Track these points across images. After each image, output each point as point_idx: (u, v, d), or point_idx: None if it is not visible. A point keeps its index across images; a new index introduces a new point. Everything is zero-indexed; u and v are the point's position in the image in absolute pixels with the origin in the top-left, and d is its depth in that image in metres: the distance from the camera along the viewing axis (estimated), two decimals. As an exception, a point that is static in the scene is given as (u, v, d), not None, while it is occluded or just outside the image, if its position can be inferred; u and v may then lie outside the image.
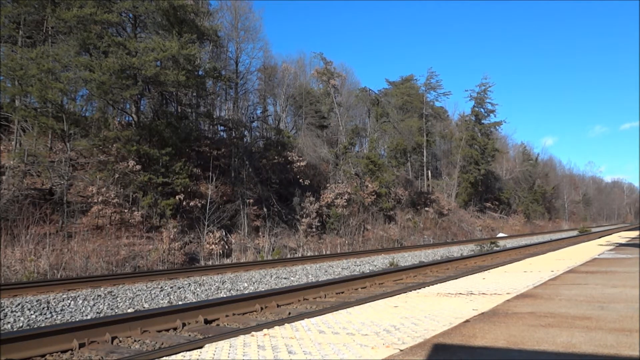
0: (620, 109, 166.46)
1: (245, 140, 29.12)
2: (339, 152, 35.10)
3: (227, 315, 7.39)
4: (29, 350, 5.31)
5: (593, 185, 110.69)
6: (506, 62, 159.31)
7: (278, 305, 8.23)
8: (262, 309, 7.91)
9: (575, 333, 3.21)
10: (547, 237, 36.86)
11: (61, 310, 8.41)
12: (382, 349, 2.96)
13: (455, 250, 23.46)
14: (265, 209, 25.03)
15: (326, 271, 14.21)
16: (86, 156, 20.85)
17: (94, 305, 8.84)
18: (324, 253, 22.61)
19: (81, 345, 5.64)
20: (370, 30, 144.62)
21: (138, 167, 19.90)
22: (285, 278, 12.71)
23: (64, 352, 5.55)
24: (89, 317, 8.24)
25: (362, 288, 10.48)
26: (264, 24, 73.61)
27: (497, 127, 55.62)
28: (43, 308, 8.34)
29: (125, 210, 19.18)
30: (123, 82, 19.32)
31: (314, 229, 26.20)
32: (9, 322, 7.64)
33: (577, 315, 3.88)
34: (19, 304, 8.32)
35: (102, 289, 10.15)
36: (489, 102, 53.46)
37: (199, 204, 21.12)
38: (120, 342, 5.98)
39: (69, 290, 10.01)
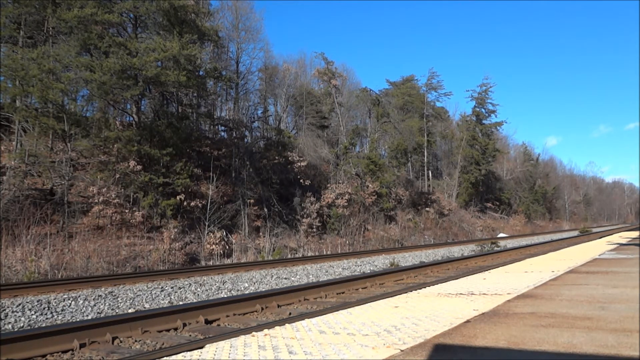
0: (625, 109, 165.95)
1: (245, 140, 29.13)
2: (340, 152, 35.11)
3: (227, 316, 7.39)
4: (29, 350, 5.32)
5: (594, 185, 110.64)
6: (507, 62, 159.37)
7: (279, 306, 8.23)
8: (262, 309, 7.91)
9: (576, 333, 3.21)
10: (547, 238, 36.83)
11: (62, 310, 8.42)
12: (383, 349, 2.96)
13: (456, 251, 23.45)
14: (265, 209, 25.03)
15: (327, 271, 14.21)
16: (87, 156, 20.87)
17: (94, 305, 8.84)
18: (325, 253, 22.61)
19: (82, 346, 5.64)
20: (371, 31, 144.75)
21: (139, 167, 19.92)
22: (285, 278, 12.71)
23: (64, 352, 5.55)
24: (89, 317, 8.24)
25: (362, 288, 10.48)
26: (265, 24, 73.70)
27: (498, 128, 55.65)
28: (44, 308, 8.35)
29: (126, 211, 19.19)
30: (124, 82, 19.34)
31: (314, 229, 26.19)
32: (9, 322, 7.65)
33: (578, 315, 3.87)
34: (19, 304, 8.33)
35: (102, 289, 10.16)
36: (490, 103, 53.50)
37: (200, 204, 21.13)
38: (121, 342, 5.98)
39: (69, 290, 10.01)
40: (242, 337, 3.52)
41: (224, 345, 3.29)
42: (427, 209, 39.98)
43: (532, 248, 22.79)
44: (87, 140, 19.99)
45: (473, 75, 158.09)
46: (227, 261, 19.26)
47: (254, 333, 3.63)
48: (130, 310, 8.85)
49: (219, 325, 7.00)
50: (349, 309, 4.71)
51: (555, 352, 2.75)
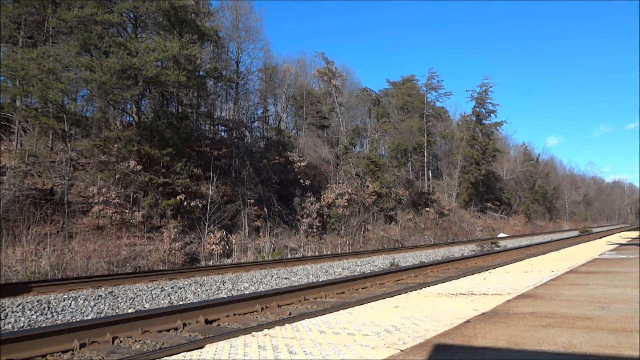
0: (625, 109, 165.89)
1: (246, 140, 29.12)
2: (340, 152, 35.11)
3: (227, 316, 7.39)
4: (30, 351, 5.32)
5: (594, 185, 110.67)
6: (507, 62, 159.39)
7: (279, 306, 8.23)
8: (262, 309, 7.91)
9: (576, 333, 3.21)
10: (547, 238, 36.81)
11: (62, 310, 8.42)
12: (383, 349, 2.96)
13: (456, 251, 23.45)
14: (265, 209, 25.03)
15: (327, 271, 14.21)
16: (87, 156, 20.86)
17: (94, 305, 8.84)
18: (325, 253, 22.61)
19: (82, 346, 5.64)
20: (372, 31, 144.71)
21: (139, 167, 19.92)
22: (285, 278, 12.71)
23: (64, 352, 5.56)
24: (89, 317, 8.24)
25: (362, 288, 10.48)
26: (265, 24, 73.73)
27: (498, 128, 55.64)
28: (44, 308, 8.35)
29: (126, 211, 19.19)
30: (124, 82, 19.34)
31: (314, 229, 26.19)
32: (9, 322, 7.65)
33: (578, 315, 3.87)
34: (19, 304, 8.33)
35: (102, 289, 10.15)
36: (490, 103, 53.48)
37: (200, 204, 21.12)
38: (121, 342, 5.98)
39: (69, 290, 10.01)
40: (242, 337, 3.52)
41: (224, 345, 3.29)
42: (427, 209, 39.97)
43: (532, 248, 22.79)
44: (87, 140, 19.99)
45: (473, 75, 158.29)
46: (227, 261, 19.26)
47: (254, 333, 3.63)
48: (130, 310, 8.84)
49: (219, 325, 7.00)
50: (349, 309, 4.71)
51: (555, 352, 2.74)
